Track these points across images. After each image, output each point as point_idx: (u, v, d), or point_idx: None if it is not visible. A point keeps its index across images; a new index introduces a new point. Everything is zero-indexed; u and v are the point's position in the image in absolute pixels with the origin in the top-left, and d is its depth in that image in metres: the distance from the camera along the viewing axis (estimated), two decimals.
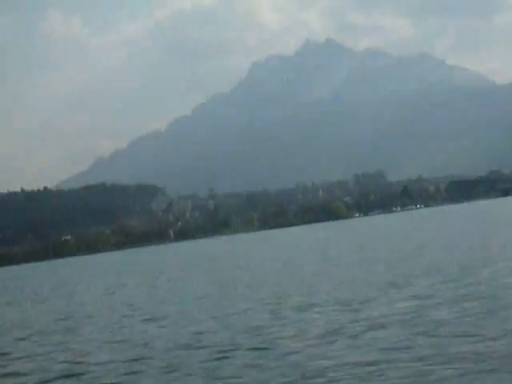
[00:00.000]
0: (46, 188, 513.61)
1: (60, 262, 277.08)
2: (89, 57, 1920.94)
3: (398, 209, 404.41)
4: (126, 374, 21.47)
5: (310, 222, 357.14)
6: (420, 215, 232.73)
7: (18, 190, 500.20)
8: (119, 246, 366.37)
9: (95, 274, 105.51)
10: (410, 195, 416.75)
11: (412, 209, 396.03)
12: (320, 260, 63.76)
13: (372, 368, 18.36)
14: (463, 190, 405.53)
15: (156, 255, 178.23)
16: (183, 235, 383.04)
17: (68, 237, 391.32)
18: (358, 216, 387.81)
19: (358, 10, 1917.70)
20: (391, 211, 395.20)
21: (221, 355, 22.40)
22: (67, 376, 22.40)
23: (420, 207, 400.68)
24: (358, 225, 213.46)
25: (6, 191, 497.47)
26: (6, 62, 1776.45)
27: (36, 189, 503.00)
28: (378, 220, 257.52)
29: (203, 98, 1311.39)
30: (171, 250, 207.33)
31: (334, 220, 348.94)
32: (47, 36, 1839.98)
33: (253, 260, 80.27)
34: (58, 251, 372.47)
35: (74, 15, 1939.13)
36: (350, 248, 78.94)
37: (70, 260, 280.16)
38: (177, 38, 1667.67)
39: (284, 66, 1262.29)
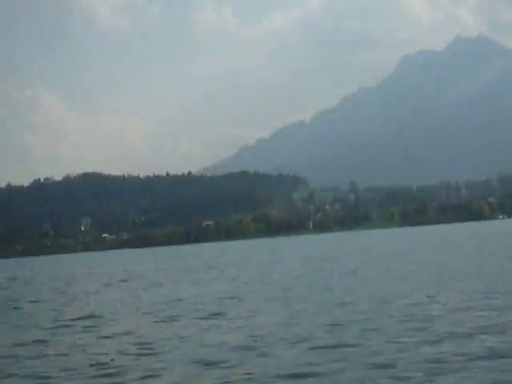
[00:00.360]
0: (190, 173, 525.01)
1: (202, 246, 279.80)
2: (238, 46, 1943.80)
3: None
4: None
5: (451, 221, 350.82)
6: None
7: (164, 174, 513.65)
8: (258, 234, 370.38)
9: (247, 259, 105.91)
10: None
11: None
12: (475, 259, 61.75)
13: None
14: None
15: (303, 245, 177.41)
16: (322, 227, 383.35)
17: (209, 222, 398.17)
18: (502, 218, 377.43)
19: None
20: None
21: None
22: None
23: None
24: (504, 227, 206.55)
25: (151, 175, 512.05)
26: (157, 50, 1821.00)
27: (180, 174, 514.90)
28: None
29: (349, 90, 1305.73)
30: (312, 241, 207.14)
31: (476, 220, 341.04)
32: (199, 25, 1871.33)
33: (400, 257, 78.73)
34: (198, 236, 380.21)
35: (226, 4, 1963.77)
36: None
37: (214, 245, 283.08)
38: (326, 29, 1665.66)
39: (433, 61, 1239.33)
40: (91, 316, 35.74)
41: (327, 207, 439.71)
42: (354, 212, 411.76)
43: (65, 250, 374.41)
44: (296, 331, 25.57)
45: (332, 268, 61.59)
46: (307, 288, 43.53)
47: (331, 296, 37.43)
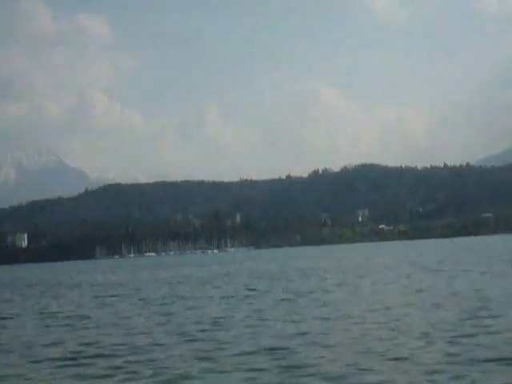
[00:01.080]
0: (468, 164, 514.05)
1: (481, 239, 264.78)
2: None
3: None
4: None
5: None
6: None
7: (441, 165, 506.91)
8: None
9: None
10: None
11: None
12: None
13: None
14: None
15: None
16: None
17: (488, 214, 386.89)
18: None
19: None
20: None
21: None
22: None
23: None
24: None
25: (429, 166, 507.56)
26: (436, 41, 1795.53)
27: (458, 165, 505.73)
28: None
29: None
30: None
31: None
32: (481, 13, 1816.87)
33: None
34: (475, 228, 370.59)
35: None
36: None
37: (489, 238, 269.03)
38: None
39: None
40: None
41: None
42: None
43: (341, 240, 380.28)
44: None
45: None
46: None
47: None
